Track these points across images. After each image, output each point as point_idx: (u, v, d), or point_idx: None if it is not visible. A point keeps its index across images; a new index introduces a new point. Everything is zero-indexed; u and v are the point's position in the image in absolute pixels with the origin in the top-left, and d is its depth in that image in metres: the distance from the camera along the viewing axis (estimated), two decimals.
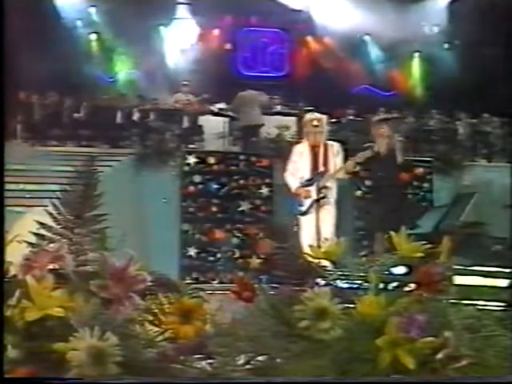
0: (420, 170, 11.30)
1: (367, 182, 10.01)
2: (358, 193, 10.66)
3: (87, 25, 16.93)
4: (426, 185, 11.44)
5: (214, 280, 9.99)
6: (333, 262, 1.30)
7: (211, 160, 10.97)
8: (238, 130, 12.53)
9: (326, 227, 7.05)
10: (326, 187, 7.16)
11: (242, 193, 10.83)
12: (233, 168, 10.98)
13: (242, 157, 11.15)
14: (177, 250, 10.44)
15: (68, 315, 1.06)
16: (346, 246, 1.31)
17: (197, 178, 10.86)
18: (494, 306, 1.61)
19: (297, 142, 7.80)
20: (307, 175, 7.24)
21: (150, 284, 1.19)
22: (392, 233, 1.30)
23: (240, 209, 10.69)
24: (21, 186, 9.20)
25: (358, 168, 7.67)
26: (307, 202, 7.16)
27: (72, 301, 1.09)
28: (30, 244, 1.29)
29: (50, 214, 1.37)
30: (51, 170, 9.55)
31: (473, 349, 1.11)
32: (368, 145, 7.66)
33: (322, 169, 7.22)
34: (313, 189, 7.16)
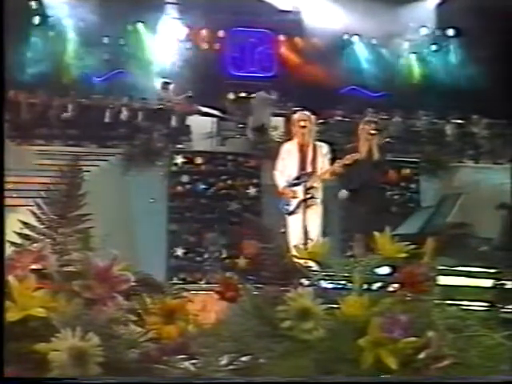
0: (406, 171, 11.35)
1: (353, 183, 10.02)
2: (351, 193, 10.66)
3: (75, 24, 16.85)
4: (412, 185, 11.49)
5: (201, 280, 9.98)
6: (317, 263, 1.30)
7: (199, 160, 10.97)
8: (250, 130, 12.49)
9: (312, 228, 7.05)
10: (313, 187, 7.16)
11: (230, 193, 10.82)
12: (220, 168, 10.98)
13: (229, 157, 11.15)
14: (164, 250, 10.42)
15: (50, 315, 1.05)
16: (330, 246, 1.31)
17: (184, 178, 10.85)
18: (477, 306, 1.62)
19: (286, 141, 7.80)
20: (294, 174, 7.25)
21: (134, 284, 1.19)
22: (376, 233, 1.30)
23: (228, 209, 10.69)
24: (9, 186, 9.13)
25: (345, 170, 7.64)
26: (294, 202, 7.17)
27: (54, 301, 1.08)
28: (13, 244, 1.28)
29: (34, 213, 1.36)
30: (37, 170, 9.51)
31: (456, 349, 1.11)
32: (351, 145, 7.67)
33: (309, 169, 7.21)
34: (300, 189, 7.16)
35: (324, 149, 7.37)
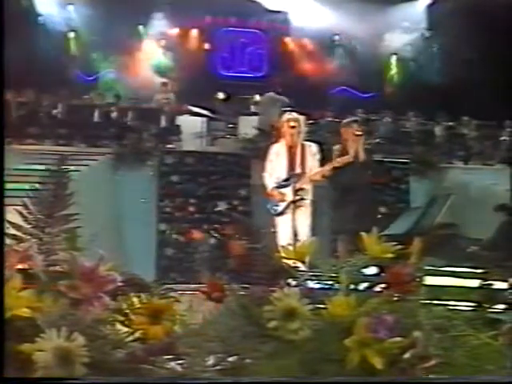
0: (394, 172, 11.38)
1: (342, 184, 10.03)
2: (335, 194, 10.67)
3: (66, 23, 16.81)
4: (402, 186, 11.51)
5: (190, 280, 9.95)
6: (304, 263, 1.30)
7: (189, 160, 10.95)
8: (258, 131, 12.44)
9: (301, 228, 7.06)
10: (302, 189, 7.17)
11: (220, 193, 10.82)
12: (210, 168, 10.97)
13: (219, 157, 11.14)
14: (154, 250, 10.40)
15: (36, 316, 1.05)
16: (318, 246, 1.31)
17: (174, 178, 10.83)
18: (464, 306, 1.62)
19: (274, 142, 7.80)
20: (283, 175, 7.25)
21: (121, 284, 1.18)
22: (363, 234, 1.30)
23: (217, 209, 10.68)
24: None
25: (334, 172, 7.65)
26: (283, 203, 7.18)
27: (40, 301, 1.08)
28: None
29: (20, 213, 1.36)
30: (27, 169, 9.45)
31: (442, 349, 1.11)
32: (338, 147, 7.69)
33: (298, 170, 7.22)
34: (289, 190, 7.17)
35: (313, 148, 7.37)
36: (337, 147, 7.70)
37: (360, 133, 7.65)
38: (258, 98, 13.10)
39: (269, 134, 11.79)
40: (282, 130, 7.47)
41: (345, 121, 8.22)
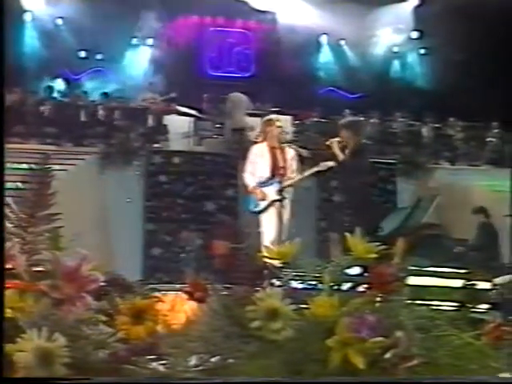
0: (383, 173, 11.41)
1: (332, 184, 10.04)
2: (323, 194, 10.70)
3: (53, 20, 16.73)
4: (389, 187, 11.54)
5: (177, 280, 9.93)
6: (288, 263, 1.30)
7: (176, 160, 10.92)
8: (228, 132, 12.41)
9: (285, 228, 7.13)
10: (283, 189, 7.21)
11: (207, 193, 10.80)
12: (198, 168, 10.95)
13: (206, 157, 11.13)
14: (141, 250, 10.37)
15: (18, 316, 1.04)
16: (300, 246, 1.31)
17: (162, 178, 10.80)
18: (447, 306, 1.63)
19: (255, 143, 7.80)
20: (265, 176, 7.30)
21: (104, 284, 1.18)
22: (347, 234, 1.30)
23: (204, 209, 10.66)
24: None
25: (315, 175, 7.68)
26: (264, 202, 7.23)
27: (22, 301, 1.07)
28: None
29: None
30: (11, 168, 9.39)
31: (424, 348, 1.12)
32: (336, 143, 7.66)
33: (280, 171, 7.27)
34: (271, 190, 7.23)
35: (292, 152, 7.43)
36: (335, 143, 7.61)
37: (358, 133, 7.68)
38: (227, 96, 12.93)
39: (241, 135, 11.78)
40: (266, 130, 7.49)
41: (340, 122, 8.23)
